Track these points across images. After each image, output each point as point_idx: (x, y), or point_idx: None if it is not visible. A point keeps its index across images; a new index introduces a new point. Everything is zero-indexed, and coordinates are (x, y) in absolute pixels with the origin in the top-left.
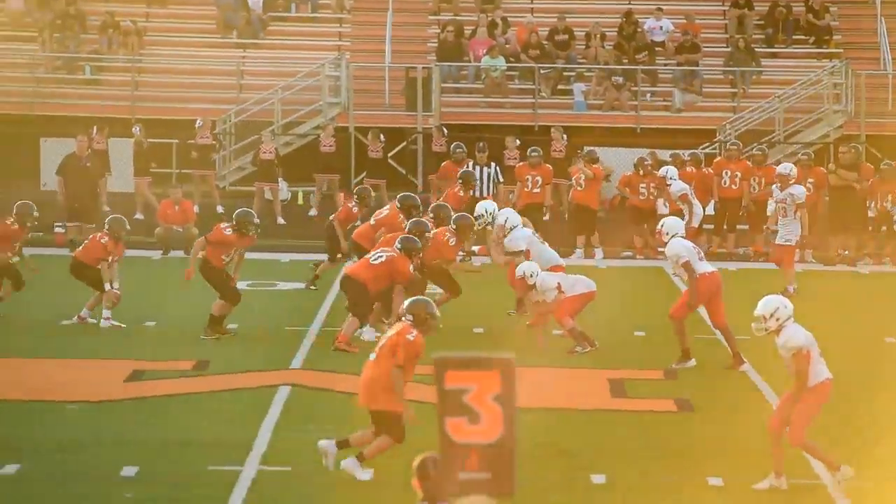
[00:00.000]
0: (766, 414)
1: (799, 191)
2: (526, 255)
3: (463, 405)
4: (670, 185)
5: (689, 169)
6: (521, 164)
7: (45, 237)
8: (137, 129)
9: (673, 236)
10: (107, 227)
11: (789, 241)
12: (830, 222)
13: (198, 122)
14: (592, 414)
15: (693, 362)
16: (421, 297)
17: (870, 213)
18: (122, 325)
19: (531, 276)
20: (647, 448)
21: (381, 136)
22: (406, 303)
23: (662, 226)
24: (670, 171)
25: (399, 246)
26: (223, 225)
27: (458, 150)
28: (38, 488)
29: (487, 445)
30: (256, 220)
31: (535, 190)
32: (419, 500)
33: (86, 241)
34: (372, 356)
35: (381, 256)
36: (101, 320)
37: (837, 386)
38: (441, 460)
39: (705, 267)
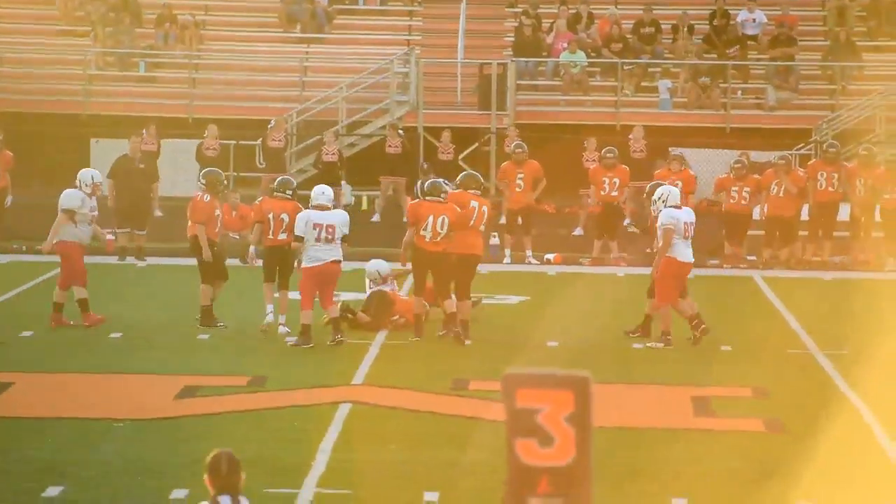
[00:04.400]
0: (862, 434)
1: None
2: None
3: (534, 426)
4: None
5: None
6: (596, 165)
7: (94, 244)
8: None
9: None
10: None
11: None
12: None
13: (271, 122)
14: (674, 433)
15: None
16: None
17: None
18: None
19: None
20: (733, 470)
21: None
22: None
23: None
24: None
25: None
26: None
27: (517, 149)
28: None
29: (560, 468)
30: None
31: (613, 192)
32: (210, 496)
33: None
34: None
35: None
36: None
37: None
38: (509, 482)
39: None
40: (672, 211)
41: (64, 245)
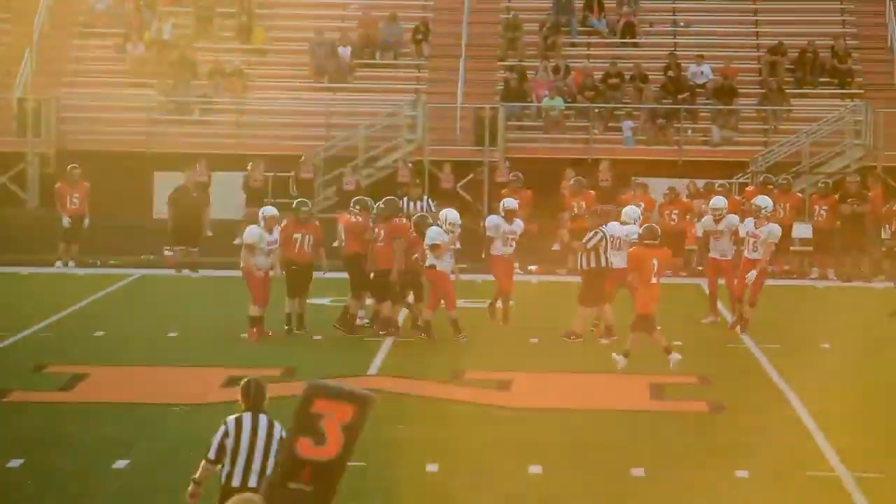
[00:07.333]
0: (788, 414)
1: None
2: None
3: (316, 428)
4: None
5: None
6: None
7: (156, 260)
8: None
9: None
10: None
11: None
12: (843, 244)
13: (302, 157)
14: (633, 414)
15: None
16: None
17: (883, 235)
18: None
19: None
20: (682, 445)
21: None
22: None
23: None
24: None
25: None
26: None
27: (514, 180)
28: (147, 481)
29: (322, 463)
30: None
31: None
32: (242, 409)
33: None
34: None
35: None
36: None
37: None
38: (278, 470)
39: None
40: (613, 226)
41: (244, 271)
